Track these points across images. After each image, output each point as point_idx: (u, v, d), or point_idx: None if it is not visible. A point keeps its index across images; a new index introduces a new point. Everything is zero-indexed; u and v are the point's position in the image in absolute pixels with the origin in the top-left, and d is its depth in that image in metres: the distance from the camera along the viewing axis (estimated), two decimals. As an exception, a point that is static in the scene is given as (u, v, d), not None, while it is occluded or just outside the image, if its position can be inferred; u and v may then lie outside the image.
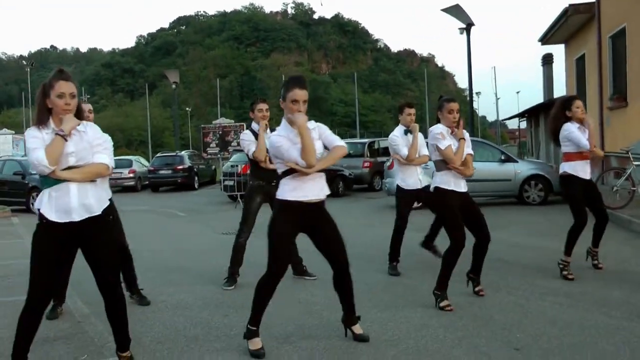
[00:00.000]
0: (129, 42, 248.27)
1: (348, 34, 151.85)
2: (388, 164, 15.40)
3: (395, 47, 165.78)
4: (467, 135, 5.69)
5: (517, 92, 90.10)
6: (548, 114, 28.79)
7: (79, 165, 3.68)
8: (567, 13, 18.67)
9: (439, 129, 5.56)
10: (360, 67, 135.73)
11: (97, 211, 3.74)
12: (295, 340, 4.62)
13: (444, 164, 5.51)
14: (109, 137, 4.05)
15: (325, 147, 4.39)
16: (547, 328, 4.70)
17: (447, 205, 5.49)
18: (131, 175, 26.68)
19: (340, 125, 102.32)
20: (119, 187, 25.10)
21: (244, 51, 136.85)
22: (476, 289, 5.76)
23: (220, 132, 32.72)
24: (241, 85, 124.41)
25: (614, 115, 16.38)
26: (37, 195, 14.97)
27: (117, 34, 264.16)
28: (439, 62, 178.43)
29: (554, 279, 6.37)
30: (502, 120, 57.69)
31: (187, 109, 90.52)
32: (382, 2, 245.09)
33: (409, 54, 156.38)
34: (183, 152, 28.70)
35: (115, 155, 4.92)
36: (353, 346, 4.44)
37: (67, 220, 3.65)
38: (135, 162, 28.79)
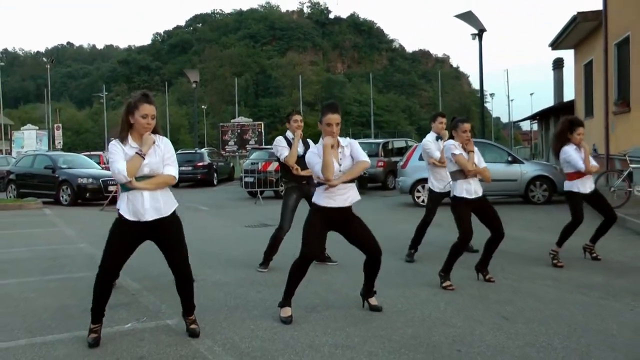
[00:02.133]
0: (145, 40, 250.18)
1: (363, 34, 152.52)
2: (401, 163, 16.17)
3: (410, 48, 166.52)
4: (476, 149, 6.57)
5: (531, 94, 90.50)
6: (558, 117, 29.56)
7: (152, 174, 4.49)
8: (576, 20, 19.41)
9: (451, 142, 6.51)
10: (375, 66, 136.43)
11: (166, 213, 4.57)
12: (320, 310, 5.50)
13: (458, 174, 6.40)
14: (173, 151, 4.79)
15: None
16: (533, 303, 5.55)
17: (459, 210, 6.37)
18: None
19: (355, 125, 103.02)
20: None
21: (260, 49, 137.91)
22: (487, 277, 6.58)
23: (239, 131, 33.67)
24: (256, 84, 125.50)
25: (618, 120, 17.10)
26: (66, 189, 15.95)
27: (134, 31, 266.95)
28: (454, 62, 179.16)
29: (546, 267, 7.22)
30: (515, 122, 58.14)
31: (203, 106, 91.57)
32: (397, 3, 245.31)
33: (424, 55, 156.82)
34: (203, 150, 29.58)
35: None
36: (369, 314, 5.32)
37: (141, 220, 4.49)
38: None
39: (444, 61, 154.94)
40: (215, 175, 27.71)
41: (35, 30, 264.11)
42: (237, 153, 33.38)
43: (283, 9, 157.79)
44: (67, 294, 6.33)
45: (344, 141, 5.22)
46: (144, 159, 4.42)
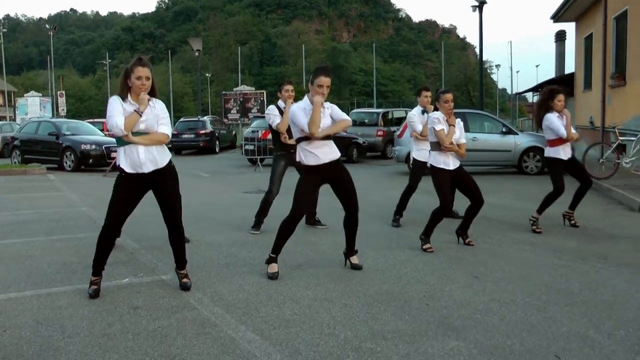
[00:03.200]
0: (149, 7, 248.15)
1: (370, 3, 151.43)
2: (398, 133, 16.48)
3: (416, 18, 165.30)
4: (460, 123, 6.89)
5: (537, 66, 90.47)
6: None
7: (147, 131, 4.86)
8: (576, -7, 19.50)
9: (436, 115, 6.80)
10: (381, 36, 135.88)
11: (162, 164, 4.95)
12: (305, 267, 5.88)
13: (437, 145, 6.71)
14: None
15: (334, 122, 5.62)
16: (505, 265, 5.93)
17: (438, 179, 6.70)
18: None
19: (360, 95, 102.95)
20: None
21: (265, 18, 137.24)
22: (466, 240, 6.95)
23: (241, 99, 33.89)
24: (261, 52, 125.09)
25: (614, 93, 17.30)
26: (70, 155, 16.27)
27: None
28: (461, 33, 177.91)
29: (525, 232, 7.59)
30: (518, 94, 58.18)
31: (207, 74, 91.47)
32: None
33: (430, 25, 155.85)
34: (205, 118, 29.85)
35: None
36: (349, 272, 5.70)
37: (139, 172, 4.87)
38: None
39: (450, 32, 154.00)
40: (217, 143, 28.04)
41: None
42: (239, 121, 33.63)
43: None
44: (70, 252, 6.72)
45: (326, 104, 5.60)
46: (141, 116, 4.78)
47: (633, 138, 12.67)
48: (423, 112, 8.43)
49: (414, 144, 8.42)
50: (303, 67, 69.89)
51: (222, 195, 12.46)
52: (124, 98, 4.85)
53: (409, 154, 15.64)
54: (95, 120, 29.90)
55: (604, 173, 12.23)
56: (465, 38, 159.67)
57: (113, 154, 17.93)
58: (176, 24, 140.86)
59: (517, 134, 15.46)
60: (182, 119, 30.47)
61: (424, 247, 6.59)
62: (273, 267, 5.55)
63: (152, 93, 4.93)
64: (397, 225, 8.21)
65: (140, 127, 4.83)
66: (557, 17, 23.38)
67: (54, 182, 15.41)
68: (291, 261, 6.04)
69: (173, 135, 27.37)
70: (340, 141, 19.79)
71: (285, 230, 5.57)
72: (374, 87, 72.68)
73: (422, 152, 8.23)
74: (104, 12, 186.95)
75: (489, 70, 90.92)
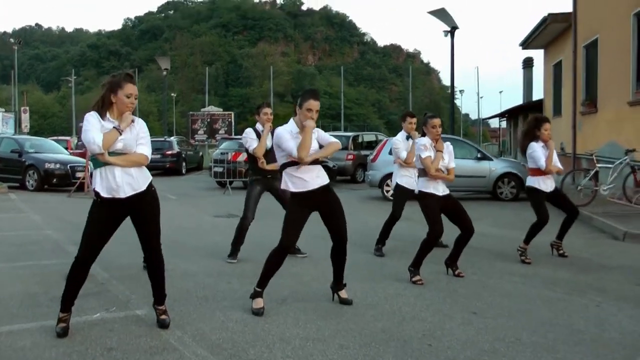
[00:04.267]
0: (115, 24, 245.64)
1: (335, 27, 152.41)
2: (371, 157, 16.23)
3: (381, 42, 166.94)
4: (450, 148, 6.62)
5: (500, 92, 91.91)
6: (526, 116, 30.15)
7: (124, 151, 4.44)
8: (547, 21, 19.69)
9: (423, 141, 6.52)
10: (346, 59, 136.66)
11: (142, 187, 4.52)
12: (290, 302, 5.50)
13: (424, 171, 6.41)
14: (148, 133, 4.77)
15: (320, 146, 5.34)
16: (501, 299, 5.64)
17: (427, 205, 6.41)
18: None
19: (325, 117, 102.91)
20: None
21: (231, 39, 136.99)
22: (456, 272, 6.65)
23: (209, 120, 33.46)
24: (227, 73, 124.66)
25: (585, 119, 17.39)
26: (33, 173, 15.61)
27: (104, 15, 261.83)
28: (425, 58, 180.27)
29: (513, 263, 7.34)
30: (484, 119, 58.90)
31: (173, 94, 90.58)
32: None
33: (395, 49, 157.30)
34: (172, 138, 29.27)
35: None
36: (339, 308, 5.34)
37: (115, 197, 4.43)
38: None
39: (414, 56, 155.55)
40: (184, 164, 27.43)
41: (2, 10, 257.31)
42: (206, 142, 33.20)
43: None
44: (34, 281, 6.23)
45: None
46: (120, 134, 4.38)
47: (609, 165, 12.63)
48: (408, 137, 8.17)
49: (397, 170, 8.16)
50: (270, 89, 69.68)
51: (192, 219, 12.00)
52: (102, 114, 4.44)
53: (382, 179, 15.51)
54: (60, 137, 29.08)
55: (582, 200, 12.13)
56: (429, 63, 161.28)
57: (78, 174, 17.41)
58: (142, 42, 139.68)
59: (492, 160, 15.37)
60: (148, 139, 29.77)
61: (414, 279, 6.27)
62: (258, 302, 5.15)
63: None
64: (380, 255, 7.89)
65: (118, 146, 4.40)
66: (526, 44, 23.64)
67: (16, 202, 14.79)
68: (275, 295, 5.64)
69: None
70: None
71: (273, 263, 5.20)
72: (342, 110, 72.79)
73: (404, 179, 7.98)
74: (69, 28, 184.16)
75: (450, 98, 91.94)
